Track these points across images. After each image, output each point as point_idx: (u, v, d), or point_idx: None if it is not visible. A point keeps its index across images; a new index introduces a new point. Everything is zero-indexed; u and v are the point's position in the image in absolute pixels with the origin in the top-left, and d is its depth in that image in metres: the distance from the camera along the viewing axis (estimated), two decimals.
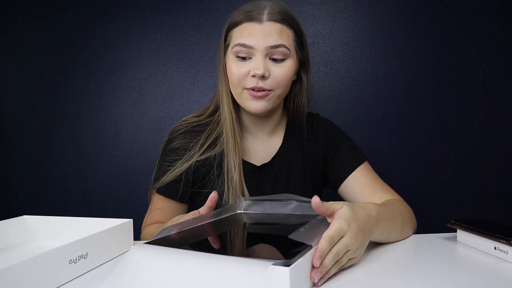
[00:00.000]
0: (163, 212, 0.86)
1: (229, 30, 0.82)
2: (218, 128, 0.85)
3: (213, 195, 0.68)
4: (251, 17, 0.77)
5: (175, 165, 0.83)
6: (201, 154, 0.83)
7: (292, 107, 0.89)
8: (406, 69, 1.42)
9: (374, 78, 1.43)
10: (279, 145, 0.90)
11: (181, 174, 0.83)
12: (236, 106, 0.85)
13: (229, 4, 1.45)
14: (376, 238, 0.60)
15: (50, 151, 1.57)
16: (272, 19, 0.77)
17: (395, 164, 1.43)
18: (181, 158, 0.84)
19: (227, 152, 0.82)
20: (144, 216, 0.90)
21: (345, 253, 0.48)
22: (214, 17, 1.46)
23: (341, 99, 1.45)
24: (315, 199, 0.50)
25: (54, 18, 1.56)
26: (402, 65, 1.42)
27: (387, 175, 1.46)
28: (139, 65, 1.52)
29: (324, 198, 0.55)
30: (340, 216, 0.49)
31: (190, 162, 0.83)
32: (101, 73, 1.54)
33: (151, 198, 0.90)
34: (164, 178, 0.83)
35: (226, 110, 0.83)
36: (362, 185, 0.84)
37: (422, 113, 1.42)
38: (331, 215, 0.51)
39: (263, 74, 0.75)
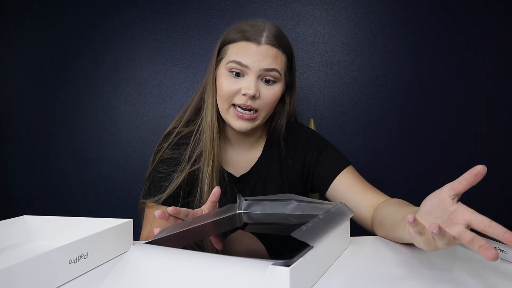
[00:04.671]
0: (163, 223, 0.86)
1: (224, 45, 0.83)
2: (203, 139, 0.88)
3: (215, 190, 0.69)
4: (249, 38, 0.79)
5: (171, 176, 0.85)
6: (191, 166, 0.86)
7: (271, 125, 0.92)
8: (406, 69, 1.41)
9: (374, 78, 1.43)
10: (258, 157, 0.93)
11: (180, 184, 0.85)
12: (220, 117, 0.87)
13: (229, 4, 1.45)
14: None
15: (50, 151, 1.57)
16: (270, 43, 0.79)
17: (395, 164, 1.43)
18: (172, 170, 0.86)
19: (203, 160, 0.84)
20: (141, 231, 0.89)
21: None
22: (214, 17, 1.47)
23: (341, 99, 1.45)
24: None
25: (54, 18, 1.56)
26: (402, 65, 1.42)
27: (388, 174, 1.47)
28: (139, 65, 1.52)
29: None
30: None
31: (184, 173, 0.85)
32: (101, 73, 1.54)
33: (143, 212, 0.90)
34: (166, 191, 0.85)
35: (209, 121, 0.85)
36: (350, 185, 0.84)
37: (422, 113, 1.41)
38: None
39: (254, 94, 0.77)
